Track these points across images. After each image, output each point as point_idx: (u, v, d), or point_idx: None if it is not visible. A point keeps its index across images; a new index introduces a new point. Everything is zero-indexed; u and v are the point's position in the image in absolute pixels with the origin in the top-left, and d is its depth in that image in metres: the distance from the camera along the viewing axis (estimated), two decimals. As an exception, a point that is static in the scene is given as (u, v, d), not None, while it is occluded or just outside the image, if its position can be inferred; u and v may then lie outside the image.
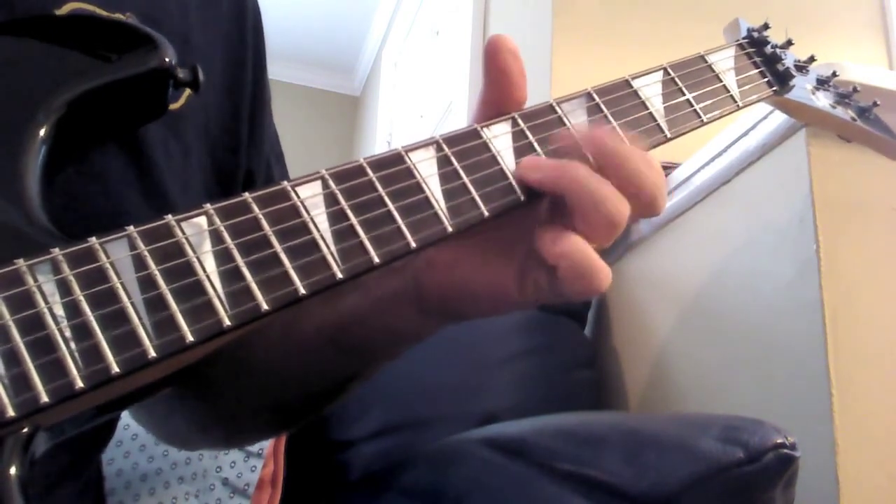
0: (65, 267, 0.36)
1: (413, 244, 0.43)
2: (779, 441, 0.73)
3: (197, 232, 0.39)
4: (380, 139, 3.70)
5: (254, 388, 0.60)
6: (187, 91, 0.59)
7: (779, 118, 1.05)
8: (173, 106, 0.58)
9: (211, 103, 0.63)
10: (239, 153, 0.65)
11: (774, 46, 0.65)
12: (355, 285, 0.51)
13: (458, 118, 2.52)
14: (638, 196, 0.46)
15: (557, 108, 0.51)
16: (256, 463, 1.18)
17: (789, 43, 0.67)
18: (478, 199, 0.46)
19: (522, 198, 0.47)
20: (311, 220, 0.41)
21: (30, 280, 0.35)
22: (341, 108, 4.55)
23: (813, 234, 0.98)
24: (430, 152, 0.46)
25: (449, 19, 2.95)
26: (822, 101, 0.67)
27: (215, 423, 0.65)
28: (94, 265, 0.36)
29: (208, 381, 0.61)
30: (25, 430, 0.34)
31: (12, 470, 0.33)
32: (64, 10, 0.53)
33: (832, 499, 0.88)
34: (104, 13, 0.54)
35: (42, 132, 0.44)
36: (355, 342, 0.53)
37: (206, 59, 0.62)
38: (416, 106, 3.33)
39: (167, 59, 0.48)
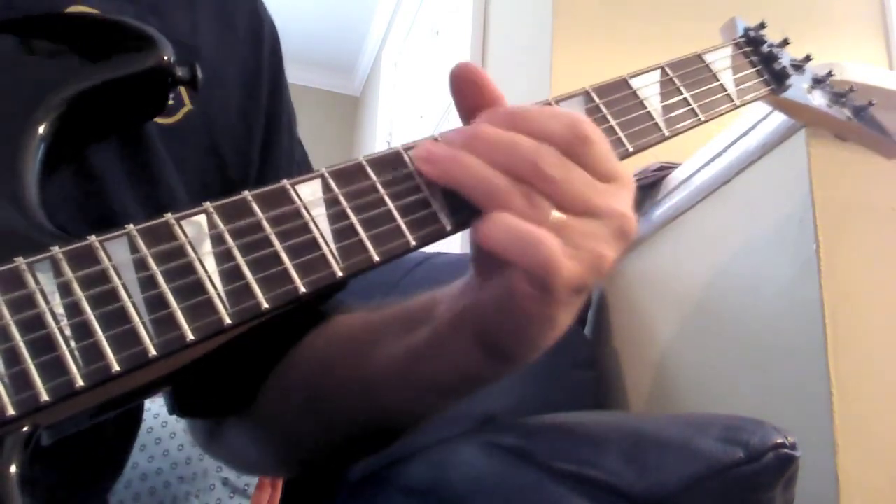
0: (64, 265, 0.36)
1: (412, 242, 0.43)
2: (779, 441, 0.73)
3: (197, 230, 0.39)
4: (380, 139, 3.70)
5: (324, 426, 0.60)
6: (186, 108, 0.59)
7: (779, 118, 1.04)
8: (170, 120, 0.58)
9: (223, 124, 0.63)
10: (248, 175, 0.65)
11: (771, 46, 0.65)
12: (426, 322, 0.50)
13: (458, 118, 2.51)
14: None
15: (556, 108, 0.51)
16: (256, 463, 1.18)
17: (785, 42, 0.67)
18: None
19: None
20: (311, 218, 0.41)
21: (29, 279, 0.35)
22: (341, 108, 4.55)
23: (813, 234, 0.98)
24: None
25: (449, 19, 2.95)
26: (818, 100, 0.67)
27: (286, 457, 0.66)
28: (94, 263, 0.36)
29: (280, 419, 0.61)
30: (25, 428, 0.34)
31: (12, 469, 0.33)
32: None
33: (832, 499, 0.88)
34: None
35: (41, 130, 0.44)
36: (425, 379, 0.52)
37: (217, 77, 0.62)
38: (416, 106, 3.33)
39: (165, 58, 0.48)
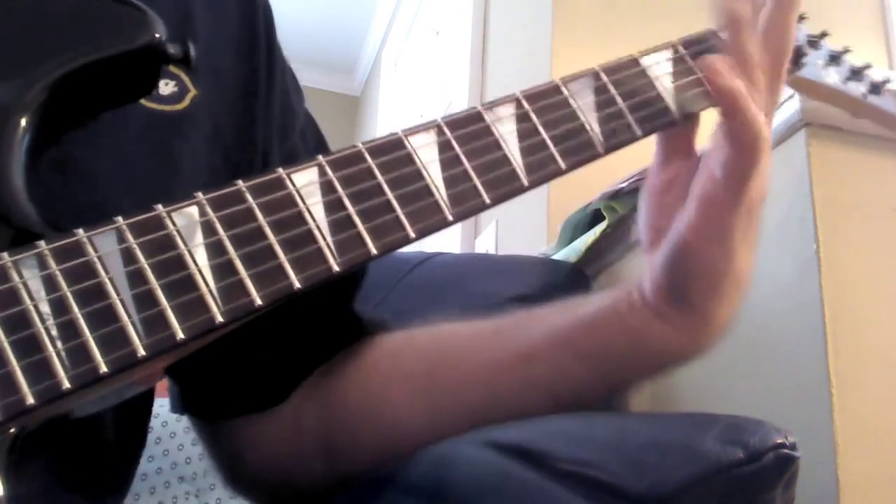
0: (51, 261, 0.34)
1: (412, 234, 0.42)
2: (779, 441, 0.72)
3: (188, 223, 0.37)
4: (379, 139, 3.69)
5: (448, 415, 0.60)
6: (191, 93, 0.58)
7: (778, 118, 1.04)
8: (179, 107, 0.56)
9: (223, 105, 0.61)
10: (255, 151, 0.62)
11: None
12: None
13: (457, 115, 2.51)
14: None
15: (564, 89, 0.49)
16: (254, 463, 1.17)
17: (801, 17, 0.65)
18: (480, 186, 0.44)
19: (526, 184, 0.45)
20: (307, 209, 0.40)
21: (15, 276, 0.34)
22: (341, 108, 4.55)
23: (813, 234, 0.97)
24: (431, 136, 0.45)
25: (449, 19, 2.95)
26: (833, 77, 0.65)
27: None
28: (82, 259, 0.35)
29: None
30: (11, 431, 0.33)
31: None
32: None
33: (832, 499, 0.87)
34: None
35: (24, 121, 0.42)
36: (595, 346, 0.53)
37: (214, 58, 0.60)
38: (416, 106, 3.33)
39: (157, 35, 0.46)
